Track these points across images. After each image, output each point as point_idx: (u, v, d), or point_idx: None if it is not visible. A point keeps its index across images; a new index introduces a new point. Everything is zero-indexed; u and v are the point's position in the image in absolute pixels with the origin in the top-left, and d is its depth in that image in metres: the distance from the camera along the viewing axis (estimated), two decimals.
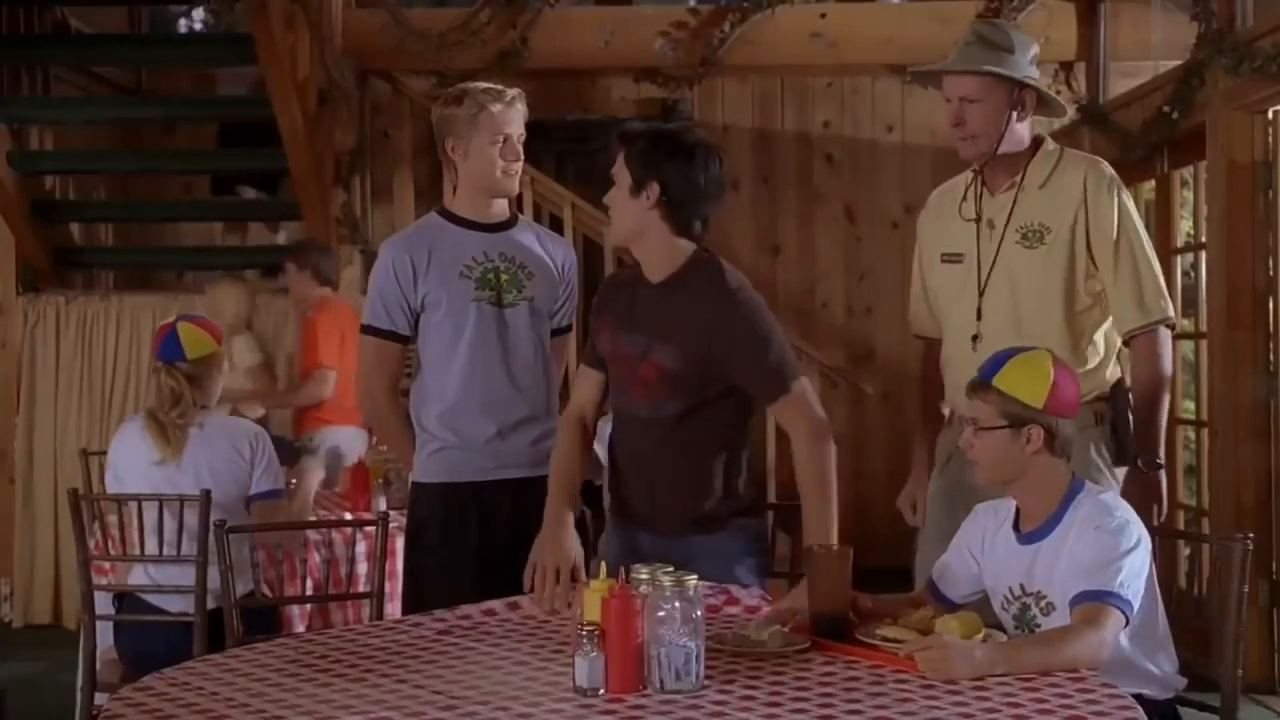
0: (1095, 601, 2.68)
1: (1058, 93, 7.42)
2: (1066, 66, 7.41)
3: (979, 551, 2.99)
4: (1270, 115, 5.58)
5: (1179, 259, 6.49)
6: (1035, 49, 3.50)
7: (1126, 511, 2.85)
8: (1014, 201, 3.46)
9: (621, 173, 3.21)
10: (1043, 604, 2.85)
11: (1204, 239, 6.12)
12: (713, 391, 3.21)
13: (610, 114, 8.11)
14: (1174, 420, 6.48)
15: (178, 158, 8.28)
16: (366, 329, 3.69)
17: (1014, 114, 3.44)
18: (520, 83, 3.72)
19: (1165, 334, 3.46)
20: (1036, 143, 3.53)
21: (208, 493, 3.85)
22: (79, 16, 7.70)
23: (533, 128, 3.73)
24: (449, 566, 3.56)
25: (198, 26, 8.64)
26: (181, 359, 4.07)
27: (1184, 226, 6.60)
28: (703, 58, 7.29)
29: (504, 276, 3.64)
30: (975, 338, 3.46)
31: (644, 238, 3.24)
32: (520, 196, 7.07)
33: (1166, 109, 5.98)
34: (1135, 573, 2.74)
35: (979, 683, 2.49)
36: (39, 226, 7.29)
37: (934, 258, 3.61)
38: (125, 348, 7.08)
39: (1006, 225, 3.47)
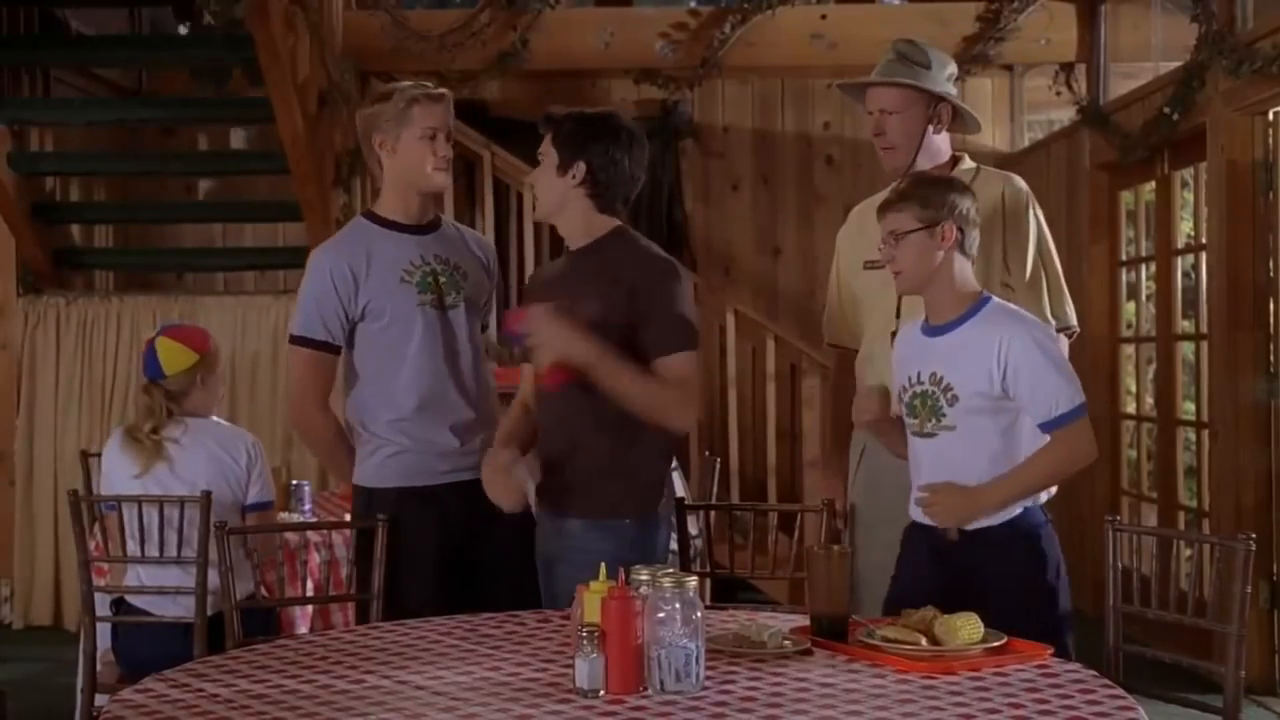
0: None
1: (1058, 94, 7.44)
2: (1067, 68, 7.41)
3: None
4: (1270, 116, 5.58)
5: (1179, 260, 6.49)
6: (952, 68, 3.71)
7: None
8: None
9: (549, 152, 3.35)
10: (949, 395, 3.09)
11: (1204, 240, 6.12)
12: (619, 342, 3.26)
13: None
14: (1174, 421, 6.48)
15: (178, 159, 8.28)
16: (299, 340, 3.58)
17: (930, 126, 3.63)
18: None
19: (1065, 341, 3.63)
20: (954, 160, 3.70)
21: (208, 494, 3.84)
22: (79, 17, 7.69)
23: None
24: (413, 569, 3.52)
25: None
26: (161, 376, 4.09)
27: (1184, 227, 6.60)
28: (703, 59, 7.30)
29: (442, 279, 3.59)
30: (895, 334, 3.57)
31: (565, 211, 3.36)
32: (519, 198, 7.09)
33: (1167, 110, 5.99)
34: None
35: (980, 683, 2.49)
36: (39, 228, 7.28)
37: (856, 266, 3.73)
38: (125, 349, 7.06)
39: None
